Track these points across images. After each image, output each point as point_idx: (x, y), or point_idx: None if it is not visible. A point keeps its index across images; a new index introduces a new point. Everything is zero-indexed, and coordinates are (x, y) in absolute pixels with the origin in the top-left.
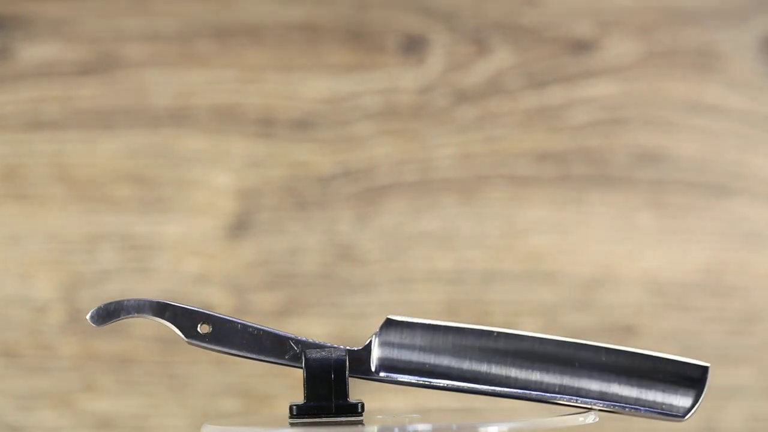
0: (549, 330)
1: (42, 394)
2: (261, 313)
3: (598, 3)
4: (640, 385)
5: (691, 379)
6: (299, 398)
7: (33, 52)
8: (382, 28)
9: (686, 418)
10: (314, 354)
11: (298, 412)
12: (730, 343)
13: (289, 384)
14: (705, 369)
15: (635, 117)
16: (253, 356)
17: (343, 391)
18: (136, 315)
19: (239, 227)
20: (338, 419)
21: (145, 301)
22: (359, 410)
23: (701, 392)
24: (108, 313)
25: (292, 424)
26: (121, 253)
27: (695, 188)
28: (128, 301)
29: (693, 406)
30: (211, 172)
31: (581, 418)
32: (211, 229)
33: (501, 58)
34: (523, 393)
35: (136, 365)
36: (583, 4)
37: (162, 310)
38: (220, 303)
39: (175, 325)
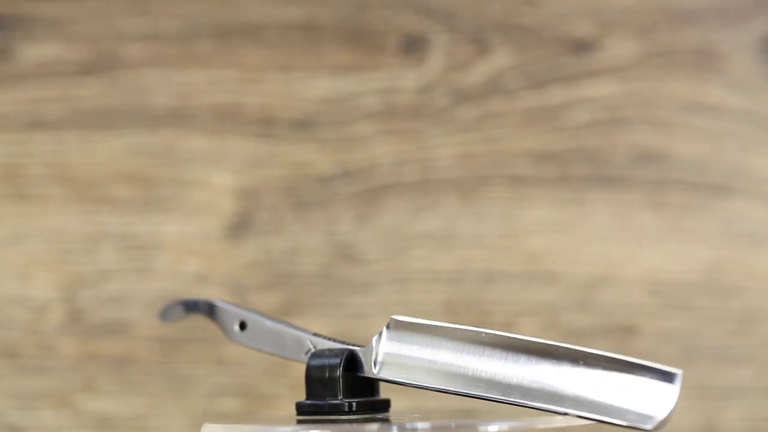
0: (549, 330)
1: (42, 394)
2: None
3: (598, 3)
4: (609, 391)
5: (662, 387)
6: (299, 398)
7: (33, 52)
8: (382, 28)
9: (653, 428)
10: (317, 353)
11: (299, 411)
12: (730, 343)
13: (289, 384)
14: (676, 376)
15: (635, 117)
16: (280, 354)
17: (335, 390)
18: (191, 313)
19: (239, 227)
20: (331, 418)
21: (196, 300)
22: (351, 409)
23: (672, 402)
24: (169, 312)
25: (299, 422)
26: (121, 253)
27: (695, 188)
28: (185, 300)
29: (663, 416)
30: (211, 172)
31: (581, 419)
32: (211, 229)
33: (501, 58)
34: (502, 398)
35: (136, 365)
36: (583, 4)
37: (210, 308)
38: None
39: (219, 324)
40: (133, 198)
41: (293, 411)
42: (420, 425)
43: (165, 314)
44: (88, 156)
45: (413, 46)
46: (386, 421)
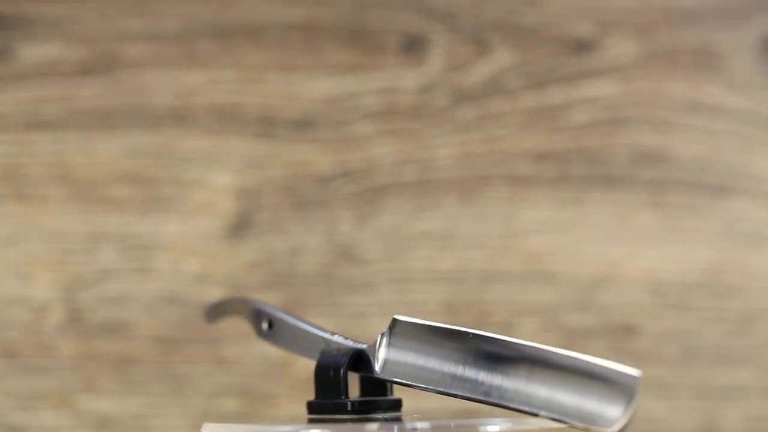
0: (549, 330)
1: (42, 394)
2: None
3: (598, 3)
4: (571, 391)
5: (620, 388)
6: (299, 398)
7: (33, 52)
8: (382, 28)
9: (613, 430)
10: (325, 352)
11: (309, 410)
12: (730, 343)
13: (289, 384)
14: (635, 378)
15: (635, 117)
16: (302, 354)
17: (339, 390)
18: (230, 313)
19: (239, 227)
20: (334, 417)
21: (234, 299)
22: (354, 408)
23: (630, 403)
24: (210, 312)
25: (309, 421)
26: (121, 253)
27: (695, 188)
28: (224, 300)
29: (622, 417)
30: (211, 172)
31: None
32: (211, 229)
33: (501, 58)
34: (484, 399)
35: (136, 365)
36: (583, 4)
37: (244, 307)
38: None
39: (251, 322)
40: (133, 198)
41: (293, 411)
42: (420, 425)
43: (210, 315)
44: (88, 156)
45: (413, 46)
46: (385, 420)
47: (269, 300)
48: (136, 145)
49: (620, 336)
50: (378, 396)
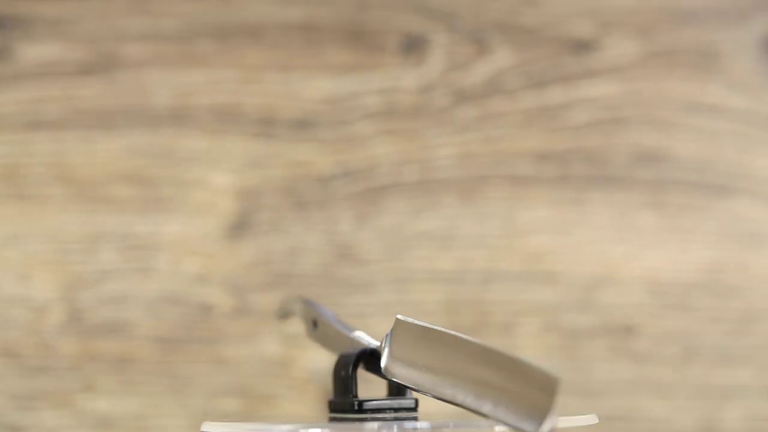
0: (549, 330)
1: (42, 394)
2: (261, 313)
3: (598, 3)
4: (508, 392)
5: (541, 389)
6: (299, 399)
7: (33, 52)
8: (382, 28)
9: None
10: (344, 352)
11: (329, 408)
12: (730, 343)
13: (289, 384)
14: (555, 381)
15: (635, 117)
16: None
17: (345, 389)
18: (295, 311)
19: (239, 227)
20: (339, 416)
21: (295, 298)
22: (355, 408)
23: (551, 406)
24: (280, 312)
25: (330, 419)
26: (121, 253)
27: (695, 188)
28: (288, 299)
29: (543, 419)
30: (211, 172)
31: (581, 420)
32: (211, 229)
33: (501, 58)
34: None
35: (136, 365)
36: (583, 4)
37: (299, 304)
38: (220, 303)
39: (303, 320)
40: (133, 198)
41: (292, 411)
42: (420, 425)
43: (281, 314)
44: (88, 156)
45: (413, 46)
46: (385, 420)
47: (269, 300)
48: (136, 145)
49: (620, 336)
50: (400, 397)
